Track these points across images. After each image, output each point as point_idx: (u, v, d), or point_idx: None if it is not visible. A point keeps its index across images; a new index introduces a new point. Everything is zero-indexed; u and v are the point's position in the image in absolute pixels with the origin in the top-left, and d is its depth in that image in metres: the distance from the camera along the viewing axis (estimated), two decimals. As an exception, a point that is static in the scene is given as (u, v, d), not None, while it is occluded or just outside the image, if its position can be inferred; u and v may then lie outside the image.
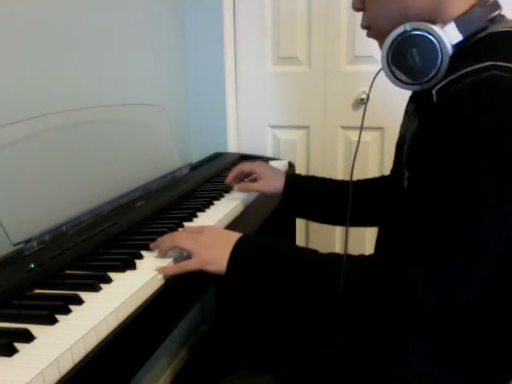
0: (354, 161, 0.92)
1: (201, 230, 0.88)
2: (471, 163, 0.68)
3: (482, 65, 0.69)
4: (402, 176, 0.85)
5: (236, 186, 1.23)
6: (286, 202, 1.18)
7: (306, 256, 0.81)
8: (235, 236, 0.84)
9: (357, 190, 1.14)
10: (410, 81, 0.78)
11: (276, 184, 1.17)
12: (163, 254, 0.88)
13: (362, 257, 0.79)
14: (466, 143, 0.68)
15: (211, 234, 0.86)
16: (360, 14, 0.91)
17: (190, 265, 0.83)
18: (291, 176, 1.20)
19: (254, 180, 1.22)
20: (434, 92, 0.73)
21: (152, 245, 0.91)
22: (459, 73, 0.71)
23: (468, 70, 0.70)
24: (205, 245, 0.83)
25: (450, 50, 0.76)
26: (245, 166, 1.23)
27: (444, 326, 0.81)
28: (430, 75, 0.76)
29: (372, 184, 1.18)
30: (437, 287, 0.70)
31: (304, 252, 0.82)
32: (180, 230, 0.97)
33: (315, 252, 0.81)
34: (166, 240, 0.88)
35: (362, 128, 0.90)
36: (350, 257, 0.77)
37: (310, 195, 1.17)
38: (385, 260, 0.75)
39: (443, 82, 0.73)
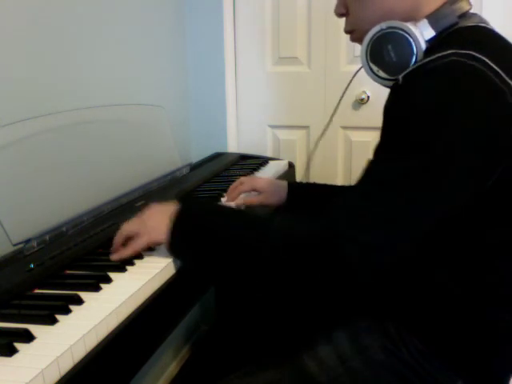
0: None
1: (142, 211, 0.91)
2: (419, 135, 0.72)
3: (444, 52, 0.73)
4: None
5: (238, 200, 1.21)
6: (289, 211, 1.17)
7: (239, 216, 0.84)
8: (174, 205, 0.86)
9: None
10: (387, 76, 0.83)
11: (278, 196, 1.18)
12: (119, 250, 0.89)
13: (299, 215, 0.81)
14: (418, 119, 0.72)
15: (151, 209, 0.90)
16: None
17: (138, 242, 0.87)
18: (293, 186, 1.21)
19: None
20: (400, 77, 0.77)
21: (114, 256, 0.90)
22: (425, 60, 0.75)
23: (432, 57, 0.74)
24: (147, 220, 0.87)
25: (423, 45, 0.80)
26: (243, 188, 1.21)
27: (437, 316, 0.82)
28: (406, 70, 0.79)
29: None
30: (360, 238, 0.71)
31: (239, 213, 0.86)
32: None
33: (251, 214, 0.85)
34: (116, 237, 0.90)
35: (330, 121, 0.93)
36: (284, 216, 0.80)
37: (312, 203, 1.17)
38: (317, 216, 0.77)
39: (410, 69, 0.78)
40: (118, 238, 0.90)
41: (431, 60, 0.74)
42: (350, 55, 1.78)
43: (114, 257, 0.87)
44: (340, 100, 0.93)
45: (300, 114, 1.88)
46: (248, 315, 1.19)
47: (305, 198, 1.18)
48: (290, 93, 1.87)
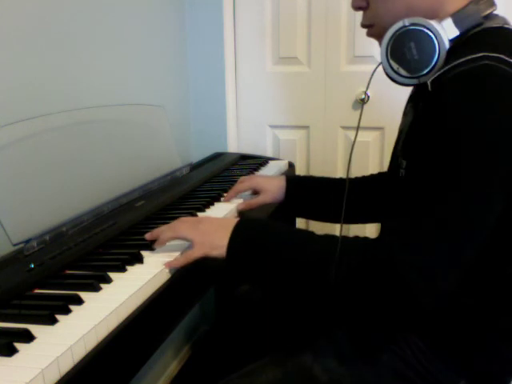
0: (350, 159, 0.93)
1: (198, 219, 0.91)
2: (458, 147, 0.71)
3: (474, 55, 0.72)
4: (398, 167, 0.87)
5: (239, 206, 1.19)
6: (288, 205, 1.19)
7: (301, 238, 0.82)
8: (233, 221, 0.85)
9: (356, 186, 1.16)
10: (407, 74, 0.81)
11: (278, 193, 1.18)
12: (163, 244, 0.90)
13: (356, 239, 0.79)
14: (454, 128, 0.71)
15: (209, 221, 0.88)
16: (361, 14, 0.91)
17: (194, 253, 0.85)
18: (291, 180, 1.21)
19: (255, 192, 1.22)
20: (429, 82, 0.76)
21: (148, 235, 0.92)
22: (453, 63, 0.74)
23: (461, 60, 0.73)
24: (205, 232, 0.85)
25: (446, 44, 0.78)
26: (242, 186, 1.21)
27: (438, 316, 0.82)
28: (428, 69, 0.79)
29: (370, 180, 1.18)
30: (425, 267, 0.70)
31: (300, 234, 0.83)
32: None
33: (311, 234, 0.82)
34: (166, 230, 0.89)
35: (358, 127, 0.91)
36: (344, 239, 0.78)
37: (311, 196, 1.18)
38: (376, 242, 0.77)
39: (438, 73, 0.76)
40: (168, 236, 0.89)
41: (460, 63, 0.72)
42: (349, 55, 1.77)
43: (168, 265, 0.85)
44: (365, 94, 0.92)
45: (300, 114, 1.88)
46: (248, 315, 1.18)
47: (303, 193, 1.18)
48: (290, 93, 1.87)
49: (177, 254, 0.89)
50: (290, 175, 1.25)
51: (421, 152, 0.76)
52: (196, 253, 0.85)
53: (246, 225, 0.85)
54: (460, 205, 0.70)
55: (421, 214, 0.72)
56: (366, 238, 0.79)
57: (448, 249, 0.71)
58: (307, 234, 0.83)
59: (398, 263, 0.70)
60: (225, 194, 1.26)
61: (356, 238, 0.80)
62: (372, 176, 1.20)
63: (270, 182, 1.20)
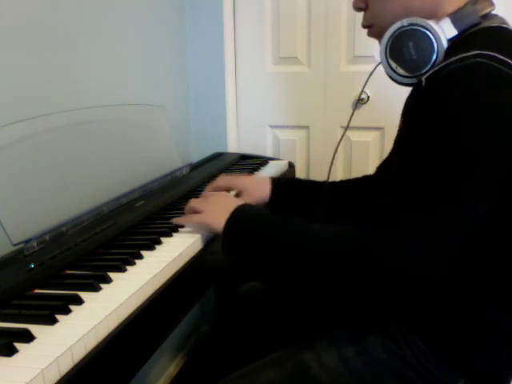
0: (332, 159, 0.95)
1: (213, 193, 1.04)
2: (448, 139, 0.71)
3: (468, 53, 0.72)
4: (391, 163, 0.87)
5: None
6: (273, 207, 1.15)
7: (288, 226, 0.84)
8: (237, 202, 0.93)
9: (343, 190, 1.15)
10: (406, 74, 0.82)
11: (260, 195, 1.14)
12: (189, 219, 1.01)
13: (341, 228, 0.80)
14: (445, 122, 0.71)
15: (218, 197, 1.00)
16: (361, 14, 0.92)
17: (198, 217, 0.97)
18: (277, 182, 1.17)
19: (237, 195, 1.15)
20: (423, 79, 0.77)
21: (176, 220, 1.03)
22: (448, 60, 0.74)
23: (455, 58, 0.73)
24: (211, 205, 0.96)
25: (444, 44, 0.80)
26: (221, 181, 1.17)
27: (438, 315, 0.82)
28: (426, 68, 0.80)
29: (360, 182, 1.18)
30: (408, 255, 0.71)
31: (288, 222, 0.86)
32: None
33: (302, 224, 0.84)
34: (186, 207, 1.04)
35: (347, 127, 0.92)
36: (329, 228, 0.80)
37: (295, 199, 1.16)
38: (360, 231, 0.76)
39: (433, 70, 0.77)
40: (189, 209, 1.02)
41: (455, 60, 0.73)
42: (349, 55, 1.77)
43: (174, 220, 1.03)
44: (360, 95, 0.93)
45: (300, 114, 1.88)
46: (248, 315, 1.18)
47: (289, 194, 1.17)
48: (290, 93, 1.87)
49: (176, 254, 0.89)
50: (275, 177, 1.21)
51: (411, 144, 0.76)
52: (197, 217, 0.96)
53: (245, 209, 0.92)
54: (447, 194, 0.71)
55: (401, 204, 0.73)
56: (348, 227, 0.79)
57: (432, 241, 0.72)
58: (298, 224, 0.84)
59: (380, 258, 0.71)
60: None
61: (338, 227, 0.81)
62: (358, 179, 1.20)
63: (254, 183, 1.17)
